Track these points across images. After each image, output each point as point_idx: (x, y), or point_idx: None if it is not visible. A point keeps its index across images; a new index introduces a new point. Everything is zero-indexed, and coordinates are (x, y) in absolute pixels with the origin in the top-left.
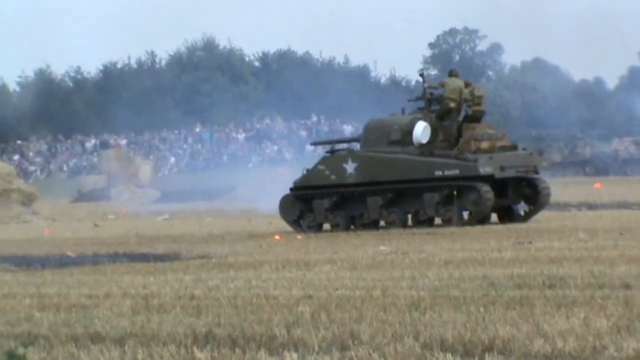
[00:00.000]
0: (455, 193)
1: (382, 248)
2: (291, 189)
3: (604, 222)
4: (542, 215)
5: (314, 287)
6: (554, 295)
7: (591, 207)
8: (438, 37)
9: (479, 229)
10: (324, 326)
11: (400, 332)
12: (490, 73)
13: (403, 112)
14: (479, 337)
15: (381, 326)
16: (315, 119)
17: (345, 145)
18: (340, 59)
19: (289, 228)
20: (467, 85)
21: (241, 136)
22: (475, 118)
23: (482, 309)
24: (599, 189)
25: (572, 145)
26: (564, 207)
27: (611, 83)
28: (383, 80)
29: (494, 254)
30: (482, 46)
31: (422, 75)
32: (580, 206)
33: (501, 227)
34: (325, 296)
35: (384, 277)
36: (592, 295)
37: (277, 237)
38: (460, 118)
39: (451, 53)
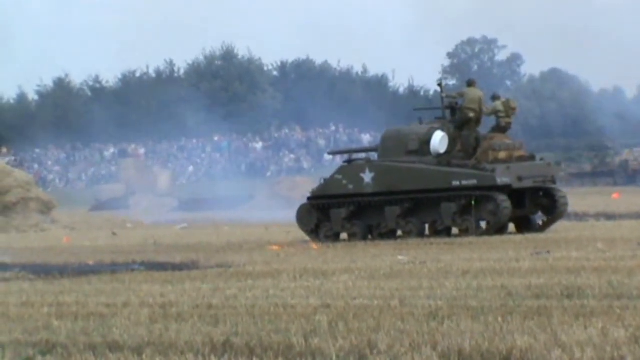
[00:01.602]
0: (472, 202)
1: (400, 257)
2: (308, 198)
3: (622, 232)
4: (560, 225)
5: (331, 296)
6: (571, 305)
7: (609, 217)
8: (456, 46)
9: (496, 238)
10: (342, 335)
11: (417, 341)
12: (509, 83)
13: (420, 121)
14: (496, 347)
15: (399, 335)
16: (333, 128)
17: (363, 155)
18: (358, 68)
19: (306, 237)
20: (496, 97)
21: (259, 145)
22: (504, 129)
23: (499, 319)
24: (616, 199)
25: (602, 154)
26: (582, 217)
27: (630, 93)
28: (401, 90)
29: (511, 264)
30: (501, 56)
31: (440, 84)
32: (598, 216)
33: (519, 236)
34: (343, 305)
35: (401, 286)
36: (610, 305)
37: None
38: (490, 128)
39: (469, 62)
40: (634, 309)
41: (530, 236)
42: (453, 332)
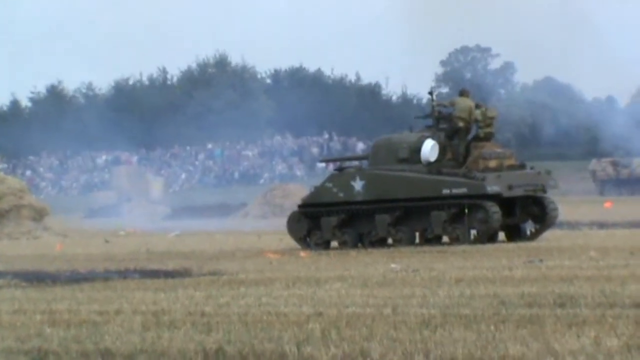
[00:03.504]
0: (465, 211)
1: (392, 265)
2: (299, 206)
3: (615, 241)
4: (553, 234)
5: (324, 304)
6: (564, 314)
7: (602, 225)
8: (450, 54)
9: (489, 246)
10: (334, 344)
11: (410, 349)
12: (502, 91)
13: (411, 129)
14: (489, 355)
15: (391, 344)
16: (326, 135)
17: (354, 163)
18: (351, 76)
19: (296, 245)
20: (478, 106)
21: (252, 153)
22: (485, 139)
23: (492, 327)
24: (608, 207)
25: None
26: (574, 225)
27: (622, 101)
28: (394, 98)
29: (504, 272)
30: (495, 64)
31: (430, 92)
32: (591, 225)
33: (512, 245)
34: (336, 313)
35: (394, 294)
36: (602, 314)
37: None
38: (470, 137)
39: (463, 71)
40: (627, 318)
41: (523, 244)
42: (446, 341)
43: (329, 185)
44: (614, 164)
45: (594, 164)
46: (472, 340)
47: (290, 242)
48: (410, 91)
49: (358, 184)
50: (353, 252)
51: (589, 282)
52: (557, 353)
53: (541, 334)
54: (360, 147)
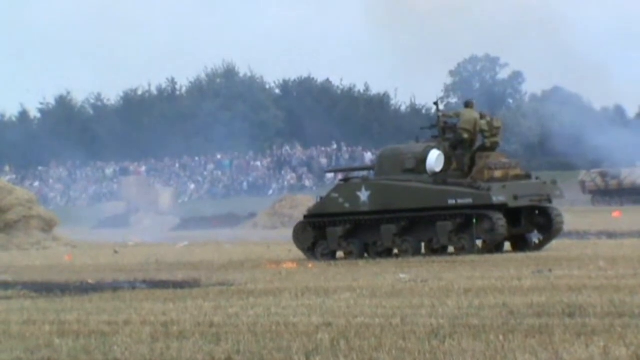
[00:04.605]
0: (474, 220)
1: (401, 276)
2: (305, 217)
3: (623, 250)
4: (562, 244)
5: (333, 315)
6: (573, 324)
7: (611, 235)
8: (459, 64)
9: (498, 256)
10: (343, 354)
11: None
12: (510, 101)
13: (417, 140)
14: None
15: (400, 354)
16: (335, 146)
17: (361, 173)
18: (360, 87)
19: (302, 255)
20: (482, 116)
21: (261, 163)
22: (491, 148)
23: (501, 337)
24: (617, 217)
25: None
26: (583, 235)
27: (631, 112)
28: (403, 108)
29: (513, 282)
30: (503, 74)
31: (436, 103)
32: (599, 235)
33: (521, 255)
34: (345, 324)
35: (403, 304)
36: (611, 323)
37: (289, 265)
38: (475, 147)
39: (471, 81)
40: (636, 327)
41: (531, 254)
42: (454, 351)
43: (335, 195)
44: (603, 175)
45: (583, 174)
46: (481, 351)
47: (299, 253)
48: (419, 101)
49: (364, 195)
50: (361, 262)
51: (597, 292)
52: None
53: (550, 343)
54: (368, 157)
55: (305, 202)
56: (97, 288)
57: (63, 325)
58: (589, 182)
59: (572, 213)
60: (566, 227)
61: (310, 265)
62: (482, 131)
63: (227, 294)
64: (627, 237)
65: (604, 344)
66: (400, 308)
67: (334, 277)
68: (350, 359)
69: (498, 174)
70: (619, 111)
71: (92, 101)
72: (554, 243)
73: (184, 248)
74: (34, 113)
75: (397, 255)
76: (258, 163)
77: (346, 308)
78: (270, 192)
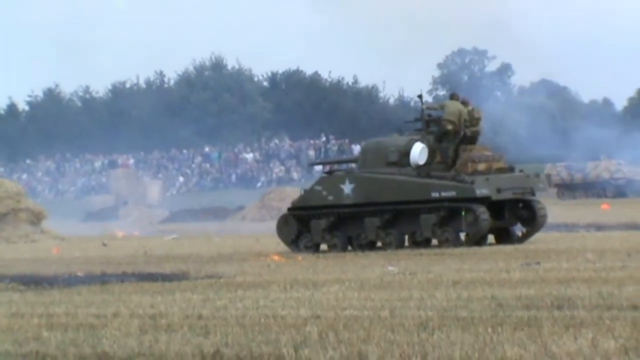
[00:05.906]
0: (463, 213)
1: (390, 268)
2: (288, 209)
3: (611, 243)
4: (550, 236)
5: (321, 307)
6: (561, 316)
7: (599, 227)
8: (447, 57)
9: (486, 249)
10: (332, 346)
11: (408, 352)
12: (499, 93)
13: (400, 133)
14: (486, 357)
15: (389, 346)
16: (323, 138)
17: (344, 166)
18: (348, 79)
19: (286, 248)
20: (464, 103)
21: (249, 156)
22: (471, 139)
23: (489, 330)
24: (606, 209)
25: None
26: (571, 227)
27: (619, 104)
28: (391, 101)
29: (501, 275)
30: (491, 67)
31: (420, 96)
32: (588, 227)
33: (509, 247)
34: (333, 316)
35: (391, 297)
36: (599, 316)
37: (276, 258)
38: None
39: (460, 73)
40: (624, 319)
41: (520, 247)
42: (443, 343)
43: (319, 188)
44: (568, 169)
45: (548, 168)
46: (469, 343)
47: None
48: (407, 94)
49: (347, 187)
50: (349, 255)
51: (586, 284)
52: (555, 355)
53: (538, 336)
54: (357, 150)
55: (294, 194)
56: (86, 281)
57: (51, 318)
58: (554, 176)
59: (561, 206)
60: (554, 220)
61: (299, 258)
62: (464, 121)
63: (215, 287)
64: (616, 229)
65: (592, 336)
66: (388, 300)
67: (322, 270)
68: (338, 351)
69: (481, 166)
70: (607, 103)
71: (81, 94)
72: (542, 235)
73: (173, 241)
74: (22, 106)
75: (380, 248)
76: (246, 155)
77: (334, 300)
78: (259, 184)
